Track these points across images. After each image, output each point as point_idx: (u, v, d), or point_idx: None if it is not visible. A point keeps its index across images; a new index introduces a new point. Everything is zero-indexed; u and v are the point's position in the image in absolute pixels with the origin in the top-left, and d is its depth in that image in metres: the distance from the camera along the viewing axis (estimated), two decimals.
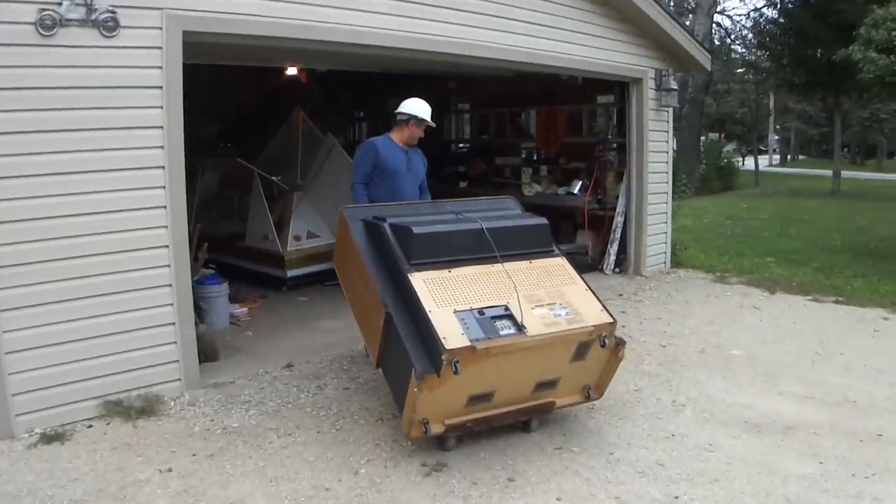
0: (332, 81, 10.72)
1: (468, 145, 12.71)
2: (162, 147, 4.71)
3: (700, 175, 22.59)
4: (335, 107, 11.87)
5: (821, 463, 4.03)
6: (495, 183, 10.89)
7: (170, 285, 4.82)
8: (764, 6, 25.39)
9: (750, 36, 27.80)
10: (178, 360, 4.91)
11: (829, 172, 26.54)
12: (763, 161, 37.63)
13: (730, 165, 29.37)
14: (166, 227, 4.77)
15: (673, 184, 9.58)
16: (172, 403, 4.75)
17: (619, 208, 9.03)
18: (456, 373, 3.63)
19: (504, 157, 11.45)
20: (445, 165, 11.67)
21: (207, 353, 5.44)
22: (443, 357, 3.62)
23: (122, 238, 4.60)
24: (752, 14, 34.98)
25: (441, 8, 6.21)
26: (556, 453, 4.14)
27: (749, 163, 34.87)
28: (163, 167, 4.73)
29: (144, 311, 4.73)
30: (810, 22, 20.17)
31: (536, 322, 3.96)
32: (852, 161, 44.30)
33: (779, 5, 23.76)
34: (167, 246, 4.79)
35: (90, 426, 4.42)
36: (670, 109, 9.08)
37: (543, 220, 4.65)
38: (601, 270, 9.04)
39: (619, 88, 8.99)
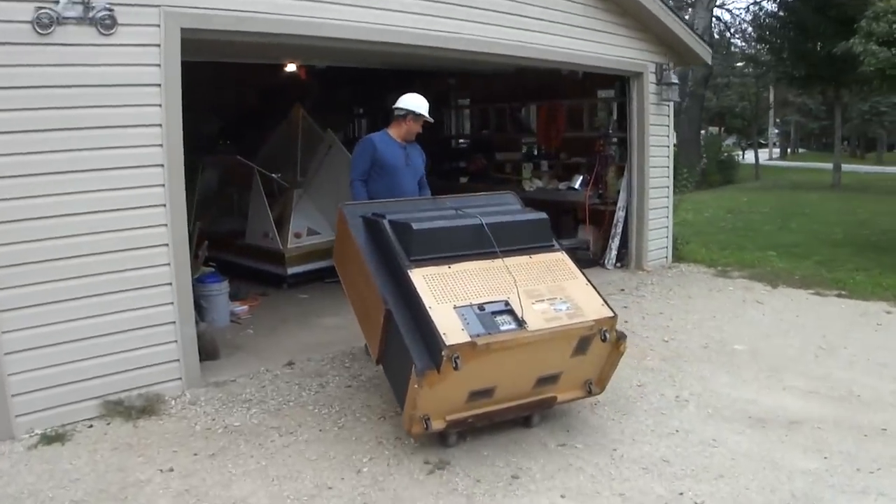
0: (332, 78, 10.68)
1: (468, 141, 12.67)
2: (161, 145, 4.69)
3: (701, 169, 22.57)
4: (335, 103, 11.84)
5: (826, 458, 4.01)
6: (496, 178, 10.83)
7: (170, 284, 4.80)
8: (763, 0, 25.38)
9: (749, 29, 27.80)
10: (178, 359, 4.88)
11: (829, 165, 26.51)
12: (763, 155, 37.58)
13: (730, 159, 29.37)
14: (166, 225, 4.75)
15: (674, 178, 9.55)
16: (173, 403, 4.73)
17: (621, 203, 9.00)
18: (456, 369, 3.62)
19: (504, 152, 11.41)
20: (445, 161, 11.66)
21: (208, 351, 5.42)
22: (443, 353, 3.61)
23: (121, 237, 4.58)
24: (751, 8, 34.86)
25: (456, 6, 6.24)
26: (559, 450, 4.12)
27: (749, 156, 34.84)
28: (162, 165, 4.70)
29: (144, 310, 4.70)
30: (810, 15, 20.14)
31: (537, 317, 3.94)
32: (852, 154, 44.20)
33: None
34: (167, 244, 4.76)
35: (91, 426, 4.40)
36: (671, 103, 9.05)
37: (543, 215, 4.63)
38: (603, 265, 9.02)
39: (620, 83, 8.95)
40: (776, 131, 48.77)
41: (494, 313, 3.91)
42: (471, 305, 3.90)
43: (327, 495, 3.64)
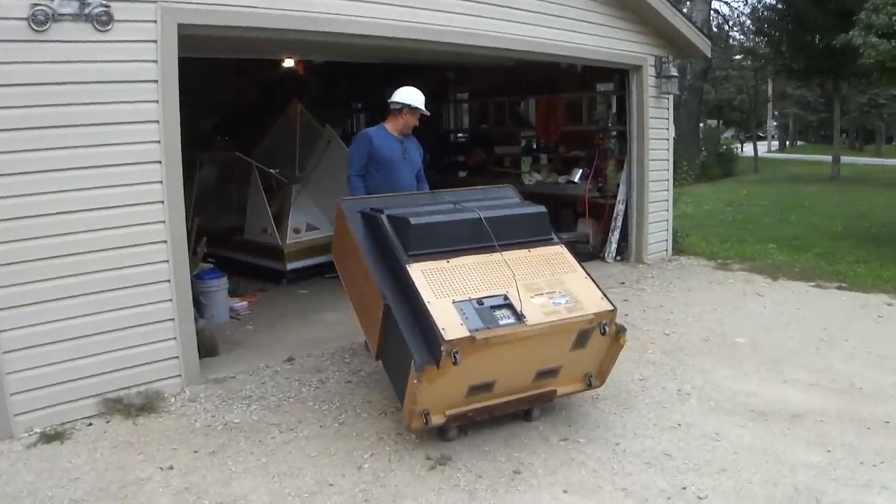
0: (330, 73, 10.66)
1: (467, 135, 12.64)
2: (158, 142, 4.66)
3: (700, 162, 22.55)
4: (333, 98, 11.80)
5: (828, 451, 4.00)
6: (495, 172, 10.83)
7: (168, 280, 4.78)
8: None
9: (748, 22, 27.72)
10: (177, 356, 4.87)
11: (828, 158, 26.46)
12: (762, 147, 37.51)
13: (729, 152, 29.28)
14: (164, 222, 4.73)
15: (674, 171, 9.53)
16: (173, 400, 4.72)
17: (620, 196, 8.98)
18: (455, 363, 3.61)
19: (504, 146, 11.39)
20: (444, 155, 11.63)
21: (207, 348, 5.40)
22: (442, 348, 3.59)
23: (119, 234, 4.56)
24: (749, 0, 34.88)
25: None
26: (561, 444, 4.11)
27: (748, 149, 34.78)
28: (159, 162, 4.68)
29: (143, 307, 4.69)
30: (809, 8, 20.08)
31: (536, 311, 3.92)
32: (851, 146, 44.12)
33: None
34: (165, 241, 4.74)
35: (90, 424, 4.39)
36: (670, 96, 9.02)
37: (542, 208, 4.61)
38: (603, 258, 9.00)
39: (619, 76, 8.92)
40: (775, 124, 48.74)
41: (493, 307, 3.89)
42: (469, 300, 3.89)
43: (328, 492, 3.63)
